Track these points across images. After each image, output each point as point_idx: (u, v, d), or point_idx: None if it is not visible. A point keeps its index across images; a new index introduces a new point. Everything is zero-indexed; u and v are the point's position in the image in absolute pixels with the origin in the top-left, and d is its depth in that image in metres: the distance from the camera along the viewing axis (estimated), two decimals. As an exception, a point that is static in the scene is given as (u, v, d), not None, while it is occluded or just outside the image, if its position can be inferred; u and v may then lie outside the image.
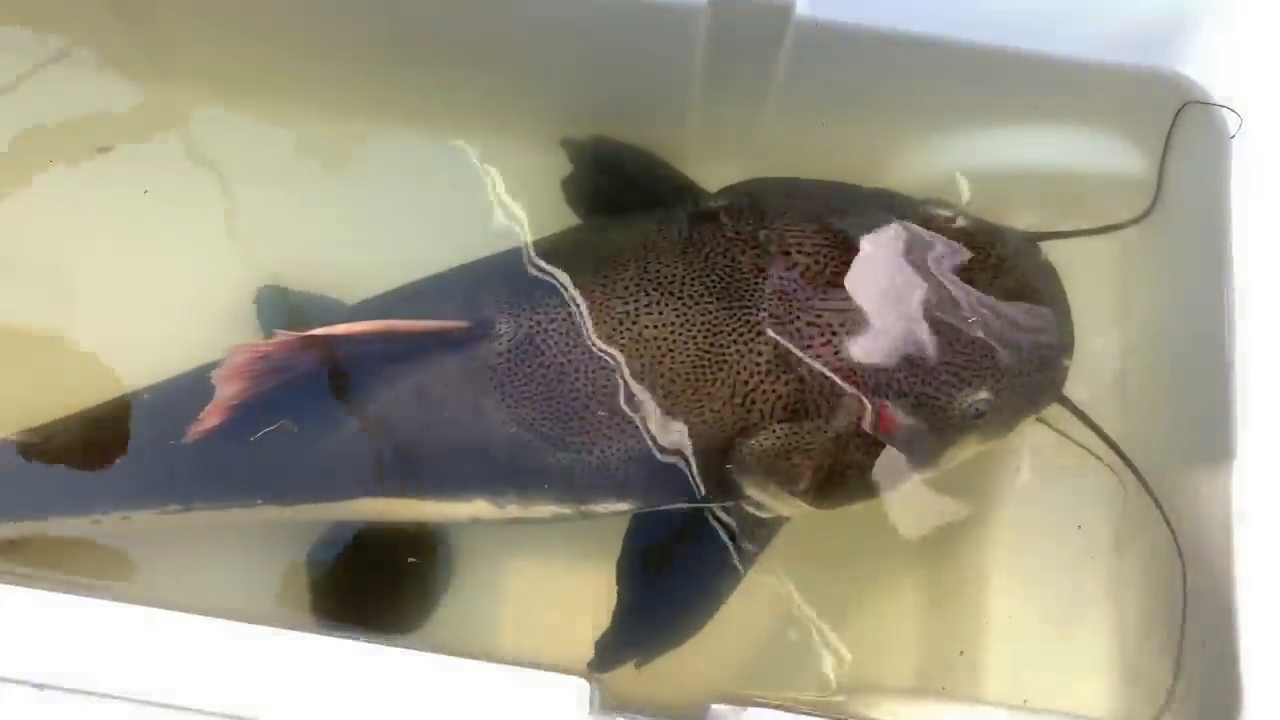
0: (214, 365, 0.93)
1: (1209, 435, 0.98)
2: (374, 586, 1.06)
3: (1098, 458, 1.04)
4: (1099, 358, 1.12)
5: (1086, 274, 1.09)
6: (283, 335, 0.91)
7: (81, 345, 1.16)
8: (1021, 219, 1.07)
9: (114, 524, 1.01)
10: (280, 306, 1.14)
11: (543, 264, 0.99)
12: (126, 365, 1.13)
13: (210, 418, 0.91)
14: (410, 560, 1.07)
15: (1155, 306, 1.11)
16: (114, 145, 1.20)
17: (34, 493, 1.00)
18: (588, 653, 0.98)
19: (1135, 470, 1.01)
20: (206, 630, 0.80)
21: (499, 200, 1.17)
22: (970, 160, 1.12)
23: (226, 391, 0.91)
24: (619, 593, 1.00)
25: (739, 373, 0.94)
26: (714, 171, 1.12)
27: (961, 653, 1.01)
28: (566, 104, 1.18)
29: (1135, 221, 1.05)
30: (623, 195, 1.15)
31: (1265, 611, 0.88)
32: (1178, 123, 1.00)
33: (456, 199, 1.21)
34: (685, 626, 0.99)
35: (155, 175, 1.20)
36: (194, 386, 0.97)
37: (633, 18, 1.03)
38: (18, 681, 0.76)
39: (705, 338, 0.95)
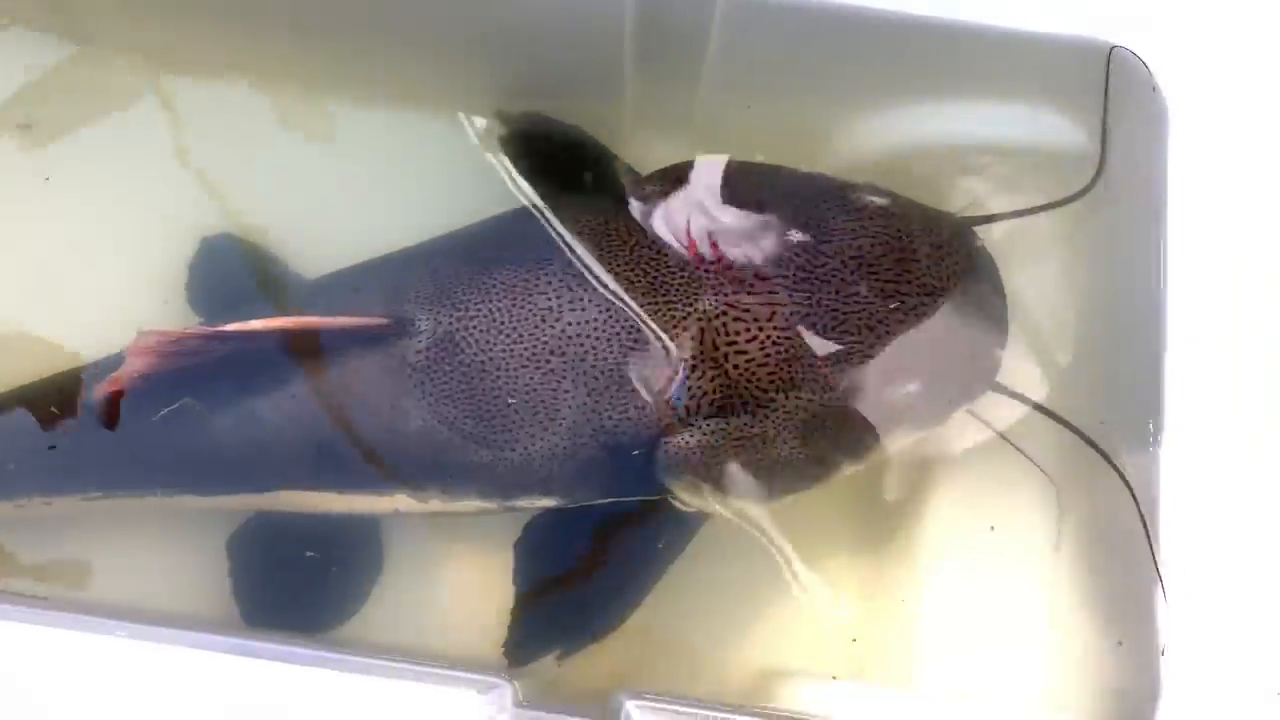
0: None
1: (1141, 415, 0.97)
2: (299, 577, 1.05)
3: (1025, 455, 1.04)
4: (1043, 331, 1.10)
5: (1033, 247, 1.08)
6: (197, 328, 0.90)
7: (12, 323, 1.13)
8: (962, 193, 1.06)
9: (36, 509, 1.00)
10: (220, 258, 1.12)
11: (463, 258, 0.97)
12: (57, 345, 1.10)
13: (112, 385, 0.91)
14: (336, 551, 1.06)
15: (1098, 279, 1.09)
16: (34, 123, 1.16)
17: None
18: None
19: (1085, 438, 0.99)
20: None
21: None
22: (909, 135, 1.08)
23: (135, 365, 0.89)
24: (517, 587, 0.98)
25: (661, 370, 0.92)
26: (653, 149, 1.09)
27: (855, 640, 1.01)
28: (503, 79, 1.15)
29: (1071, 200, 1.02)
30: (551, 173, 1.10)
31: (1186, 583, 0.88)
32: (1119, 100, 0.97)
33: (407, 171, 1.18)
34: (604, 621, 0.98)
35: (78, 153, 1.16)
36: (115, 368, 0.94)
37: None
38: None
39: (629, 333, 0.93)
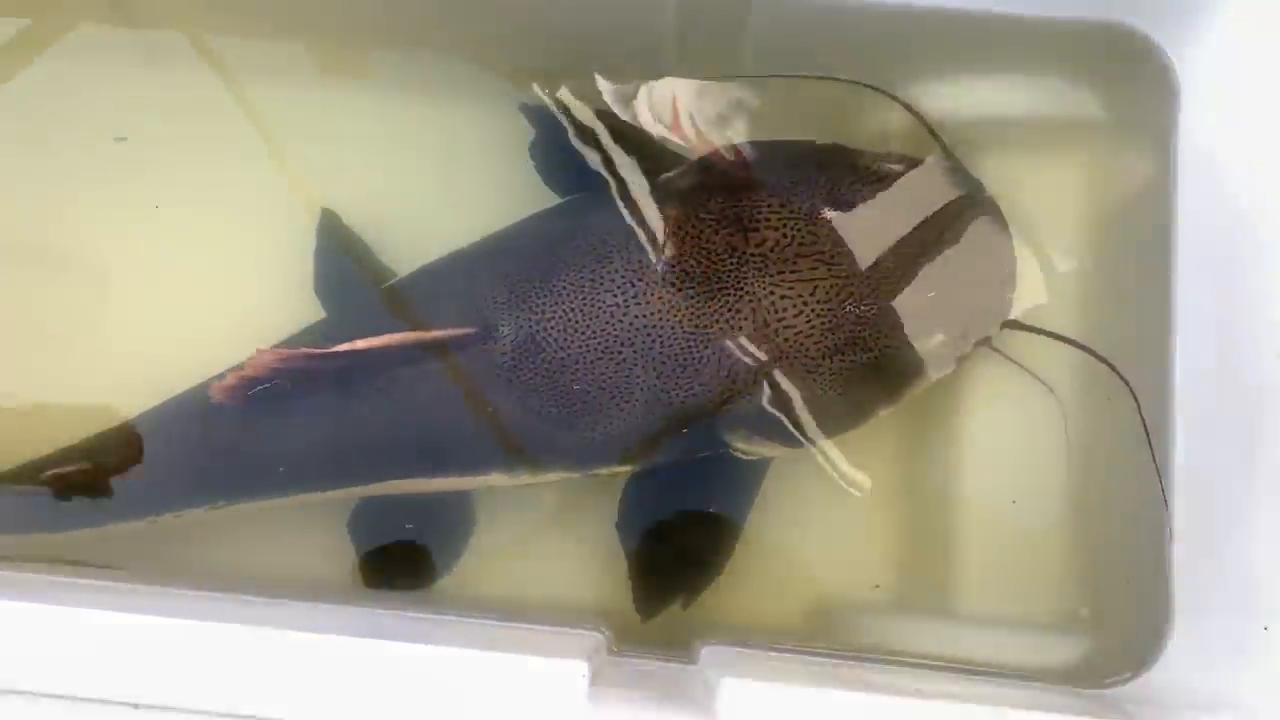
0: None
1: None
2: (406, 545, 1.18)
3: (1038, 379, 1.17)
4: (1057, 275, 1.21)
5: (1047, 200, 1.19)
6: (306, 349, 1.01)
7: (116, 330, 1.22)
8: (983, 165, 1.14)
9: (167, 522, 1.12)
10: (337, 236, 1.21)
11: (530, 261, 1.07)
12: (162, 349, 1.19)
13: (226, 385, 1.02)
14: (434, 518, 1.18)
15: (1109, 231, 1.19)
16: (128, 135, 1.23)
17: (93, 501, 1.10)
18: (597, 593, 1.13)
19: (1105, 360, 1.11)
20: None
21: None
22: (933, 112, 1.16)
23: (249, 372, 1.01)
24: (627, 547, 1.11)
25: (723, 348, 1.04)
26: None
27: (877, 586, 1.15)
28: (547, 68, 1.21)
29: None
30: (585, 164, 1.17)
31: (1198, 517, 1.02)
32: (1131, 72, 1.06)
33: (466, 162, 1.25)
34: (711, 564, 1.11)
35: (173, 161, 1.23)
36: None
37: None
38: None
39: (690, 320, 1.04)
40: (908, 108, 1.12)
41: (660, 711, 0.74)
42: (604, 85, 1.16)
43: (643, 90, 1.14)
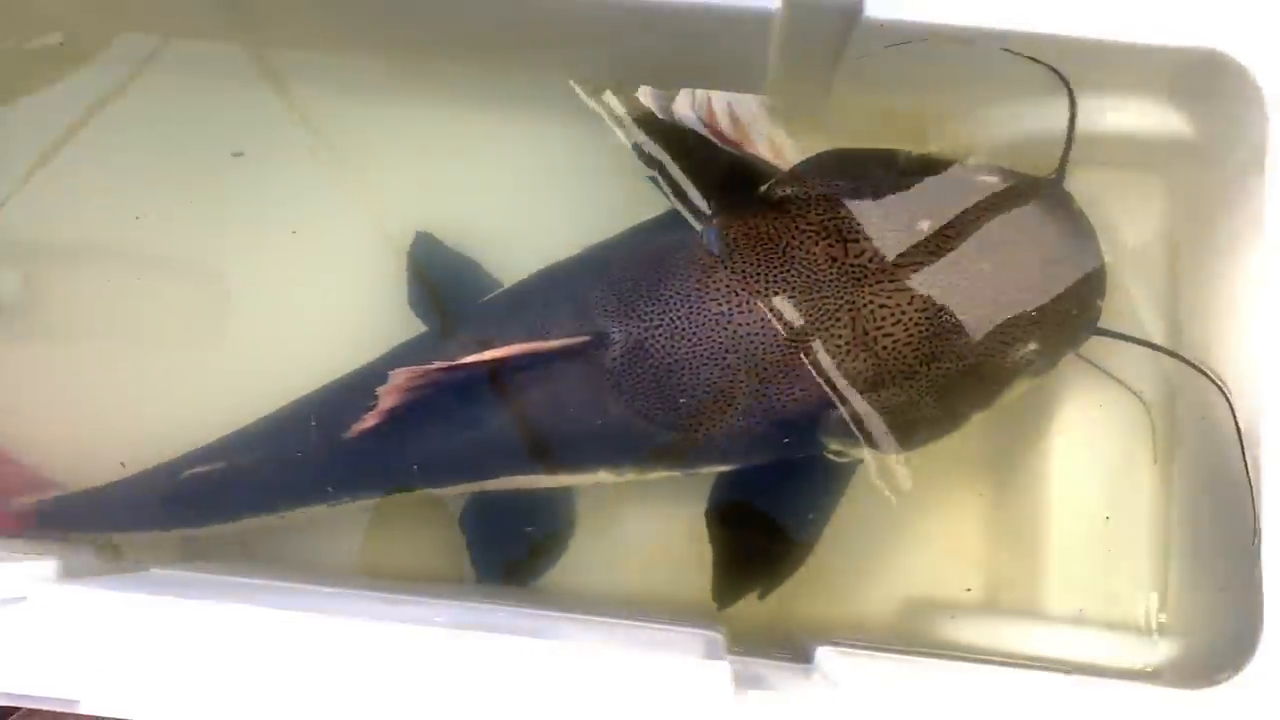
0: (370, 369, 1.16)
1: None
2: (515, 538, 1.25)
3: (1126, 386, 1.21)
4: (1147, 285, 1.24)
5: (1137, 215, 1.23)
6: (438, 364, 1.08)
7: (235, 337, 1.31)
8: (1074, 180, 1.17)
9: (294, 517, 1.20)
10: (433, 256, 1.28)
11: (637, 270, 1.12)
12: (284, 353, 1.28)
13: (370, 420, 1.09)
14: (540, 513, 1.24)
15: (1197, 246, 1.22)
16: (245, 150, 1.31)
17: (228, 497, 1.19)
18: (695, 588, 1.17)
19: (1194, 365, 1.14)
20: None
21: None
22: (1026, 131, 1.21)
23: (386, 403, 1.08)
24: (713, 538, 1.16)
25: (823, 355, 1.08)
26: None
27: (969, 589, 1.19)
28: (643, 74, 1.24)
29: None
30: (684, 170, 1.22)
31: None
32: (1221, 94, 1.09)
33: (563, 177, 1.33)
34: (791, 560, 1.16)
35: (287, 174, 1.31)
36: (358, 385, 1.15)
37: (714, 18, 1.12)
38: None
39: (793, 329, 1.08)
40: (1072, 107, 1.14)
41: (798, 708, 0.77)
42: (647, 94, 1.20)
43: (686, 97, 1.18)
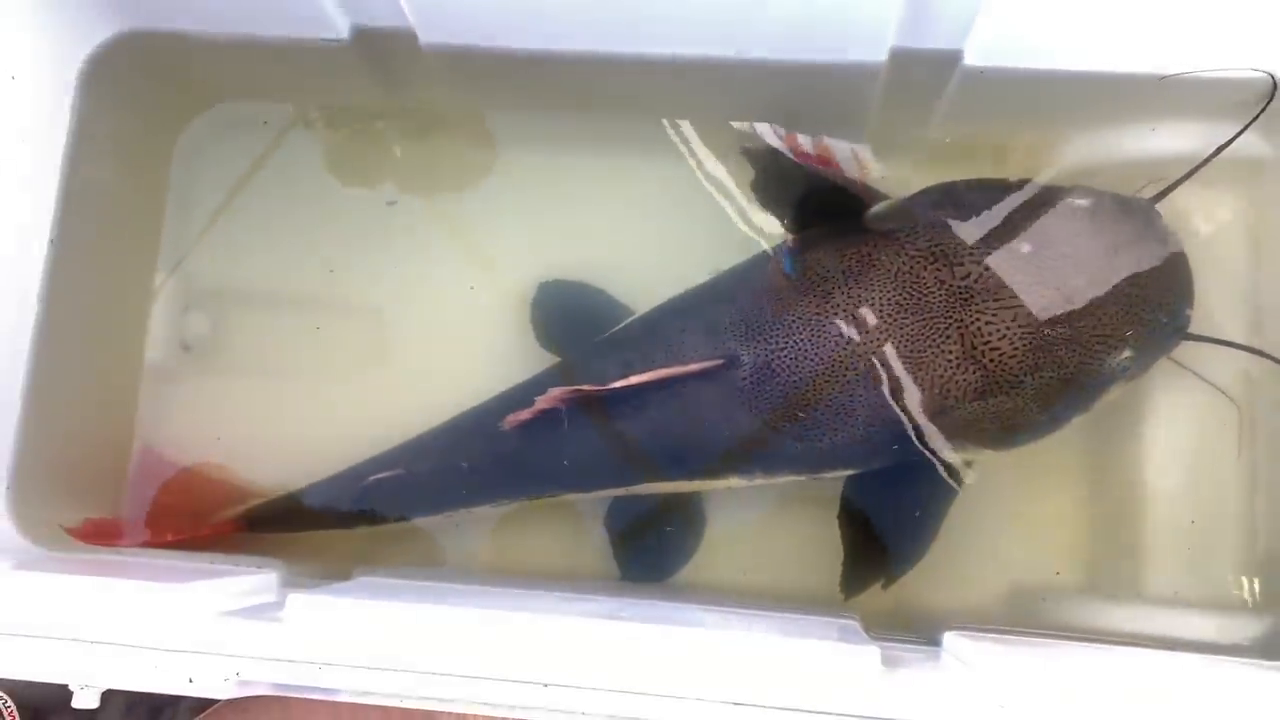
0: (523, 387, 1.32)
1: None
2: (653, 539, 1.39)
3: (1215, 386, 1.31)
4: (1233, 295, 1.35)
5: (1218, 228, 1.33)
6: (577, 388, 1.23)
7: (401, 368, 1.46)
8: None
9: (460, 517, 1.35)
10: (558, 299, 1.42)
11: (762, 297, 1.25)
12: (439, 381, 1.42)
13: (525, 415, 1.24)
14: (675, 514, 1.38)
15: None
16: (398, 199, 1.47)
17: (403, 501, 1.35)
18: (817, 580, 1.31)
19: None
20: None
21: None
22: (1107, 154, 1.32)
23: (543, 404, 1.24)
24: (844, 535, 1.28)
25: (935, 370, 1.20)
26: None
27: (1058, 572, 1.31)
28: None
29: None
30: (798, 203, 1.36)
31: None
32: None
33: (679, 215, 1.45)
34: (913, 552, 1.28)
35: (435, 222, 1.46)
36: (516, 397, 1.30)
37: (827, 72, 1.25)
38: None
39: (907, 346, 1.20)
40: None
41: (942, 687, 0.87)
42: (767, 131, 1.33)
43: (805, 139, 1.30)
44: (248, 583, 1.10)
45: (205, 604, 0.93)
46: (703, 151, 1.40)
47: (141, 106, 1.44)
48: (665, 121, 1.42)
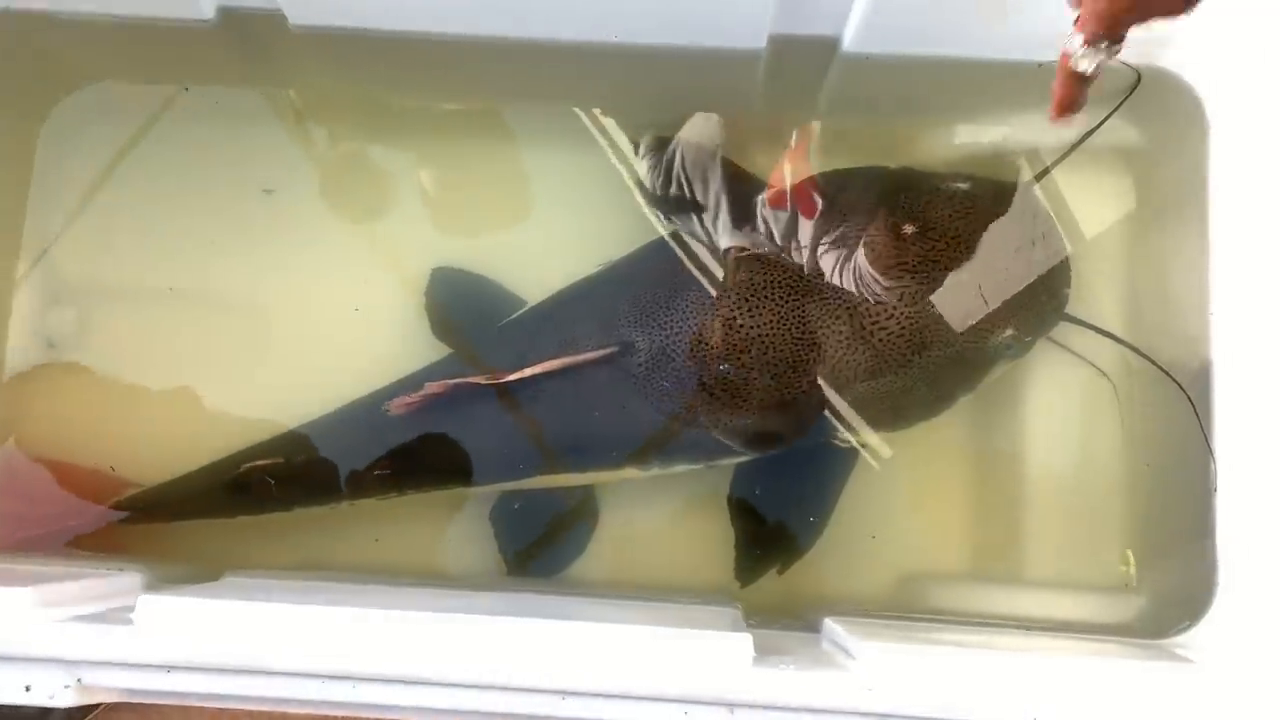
0: (411, 378, 1.27)
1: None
2: (541, 533, 1.35)
3: (1095, 366, 1.33)
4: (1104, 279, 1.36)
5: (1095, 214, 1.34)
6: (470, 379, 1.20)
7: (283, 363, 1.39)
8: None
9: (343, 510, 1.29)
10: (451, 290, 1.37)
11: (655, 285, 1.24)
12: (317, 371, 1.36)
13: (410, 399, 1.23)
14: (565, 510, 1.35)
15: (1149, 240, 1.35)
16: (275, 188, 1.41)
17: (284, 489, 1.28)
18: (710, 572, 1.29)
19: (1150, 359, 1.26)
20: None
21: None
22: (988, 140, 1.33)
23: (432, 389, 1.22)
24: (735, 523, 1.28)
25: (826, 351, 1.20)
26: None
27: (944, 557, 1.30)
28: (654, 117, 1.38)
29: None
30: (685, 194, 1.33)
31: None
32: (1165, 106, 1.20)
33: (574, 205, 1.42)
34: (806, 537, 1.27)
35: (313, 210, 1.40)
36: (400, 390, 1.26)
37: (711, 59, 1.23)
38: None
39: (797, 328, 1.20)
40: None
41: (813, 673, 0.86)
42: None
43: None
44: (106, 585, 1.04)
45: (44, 607, 0.88)
46: (599, 140, 1.38)
47: (3, 88, 1.37)
48: (579, 110, 1.39)
